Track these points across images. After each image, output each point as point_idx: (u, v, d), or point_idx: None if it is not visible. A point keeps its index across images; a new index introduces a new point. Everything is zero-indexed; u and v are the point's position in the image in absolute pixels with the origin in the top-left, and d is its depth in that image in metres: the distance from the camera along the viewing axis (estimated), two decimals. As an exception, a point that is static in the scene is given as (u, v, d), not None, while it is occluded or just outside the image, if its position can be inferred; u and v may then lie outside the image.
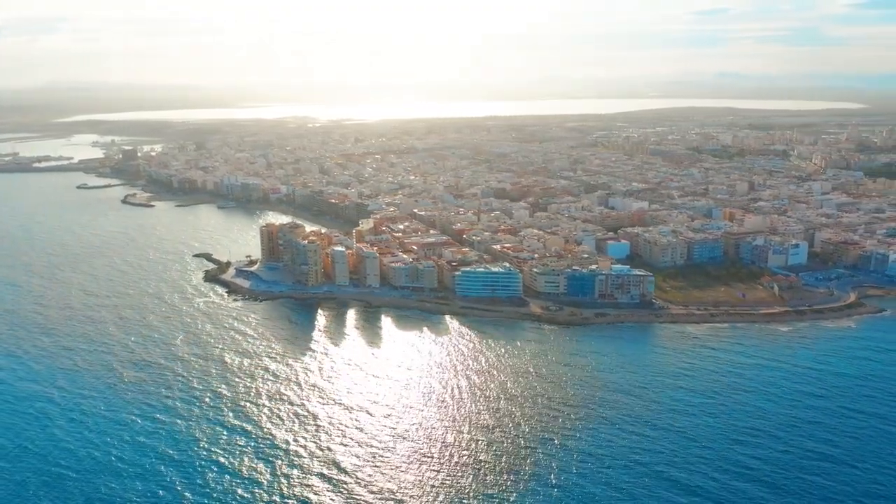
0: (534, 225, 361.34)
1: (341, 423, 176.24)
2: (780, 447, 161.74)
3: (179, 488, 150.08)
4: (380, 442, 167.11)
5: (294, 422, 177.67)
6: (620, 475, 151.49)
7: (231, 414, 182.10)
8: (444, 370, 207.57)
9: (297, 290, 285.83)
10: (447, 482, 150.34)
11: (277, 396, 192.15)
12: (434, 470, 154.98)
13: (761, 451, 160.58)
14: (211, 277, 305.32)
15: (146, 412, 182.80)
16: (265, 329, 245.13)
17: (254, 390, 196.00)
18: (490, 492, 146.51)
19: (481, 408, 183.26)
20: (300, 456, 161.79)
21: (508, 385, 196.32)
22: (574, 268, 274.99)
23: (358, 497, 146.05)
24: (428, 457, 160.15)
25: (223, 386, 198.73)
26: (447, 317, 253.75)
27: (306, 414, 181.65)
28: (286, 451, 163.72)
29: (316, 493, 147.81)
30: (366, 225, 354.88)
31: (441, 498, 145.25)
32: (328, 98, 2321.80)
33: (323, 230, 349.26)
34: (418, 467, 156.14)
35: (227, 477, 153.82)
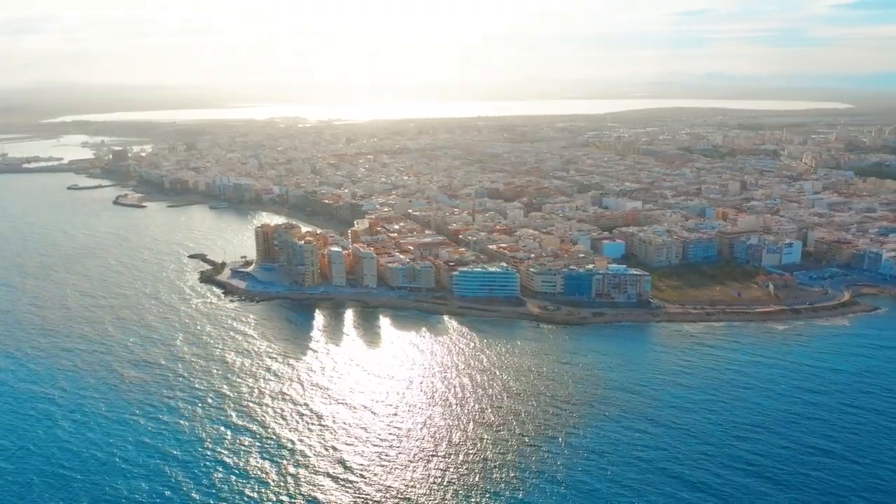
0: (528, 225, 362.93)
1: (346, 423, 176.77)
2: (781, 443, 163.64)
3: (186, 489, 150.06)
4: (385, 441, 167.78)
5: (298, 421, 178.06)
6: (625, 472, 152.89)
7: (234, 414, 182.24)
8: (445, 369, 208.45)
9: (293, 290, 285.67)
10: (455, 480, 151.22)
11: (280, 396, 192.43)
12: (441, 468, 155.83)
13: (762, 446, 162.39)
14: (206, 278, 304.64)
15: (149, 413, 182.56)
16: (264, 329, 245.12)
17: (257, 390, 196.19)
18: (498, 489, 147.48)
19: (485, 406, 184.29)
20: (306, 455, 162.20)
21: (510, 383, 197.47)
22: (571, 267, 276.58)
23: (367, 496, 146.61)
24: (434, 455, 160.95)
25: (225, 386, 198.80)
26: (445, 317, 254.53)
27: (310, 413, 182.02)
28: (292, 451, 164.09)
29: (324, 493, 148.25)
30: (361, 225, 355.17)
31: (450, 495, 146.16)
32: (305, 98, 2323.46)
33: (318, 231, 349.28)
34: (425, 465, 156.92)
35: (234, 477, 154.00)
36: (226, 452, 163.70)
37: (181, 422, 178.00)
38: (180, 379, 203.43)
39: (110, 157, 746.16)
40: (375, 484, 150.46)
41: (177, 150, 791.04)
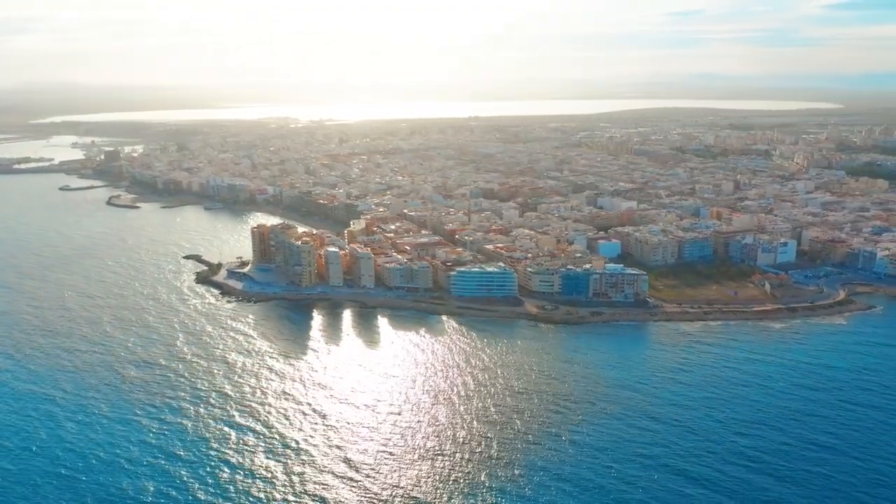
0: (524, 225, 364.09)
1: (350, 422, 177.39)
2: (782, 439, 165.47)
3: (191, 489, 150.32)
4: (390, 439, 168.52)
5: (302, 421, 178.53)
6: (629, 468, 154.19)
7: (237, 413, 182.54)
8: (447, 368, 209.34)
9: (290, 291, 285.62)
10: (460, 478, 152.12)
11: (283, 395, 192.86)
12: (447, 466, 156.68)
13: (763, 442, 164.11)
14: (203, 279, 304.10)
15: (151, 413, 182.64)
16: (264, 329, 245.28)
17: (259, 390, 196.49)
18: (503, 486, 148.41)
19: (488, 404, 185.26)
20: (311, 454, 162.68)
21: (512, 382, 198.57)
22: (568, 267, 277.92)
23: (374, 494, 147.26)
24: (439, 453, 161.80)
25: (227, 385, 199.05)
26: (443, 317, 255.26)
27: (313, 413, 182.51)
28: (297, 450, 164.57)
29: (330, 492, 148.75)
30: (357, 225, 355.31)
31: (456, 493, 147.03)
32: (305, 98, 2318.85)
33: (314, 231, 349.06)
34: (431, 464, 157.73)
35: (240, 476, 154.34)
36: (231, 452, 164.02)
37: (184, 422, 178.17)
38: (181, 379, 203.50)
39: (102, 157, 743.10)
40: (382, 482, 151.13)
41: (168, 150, 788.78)
